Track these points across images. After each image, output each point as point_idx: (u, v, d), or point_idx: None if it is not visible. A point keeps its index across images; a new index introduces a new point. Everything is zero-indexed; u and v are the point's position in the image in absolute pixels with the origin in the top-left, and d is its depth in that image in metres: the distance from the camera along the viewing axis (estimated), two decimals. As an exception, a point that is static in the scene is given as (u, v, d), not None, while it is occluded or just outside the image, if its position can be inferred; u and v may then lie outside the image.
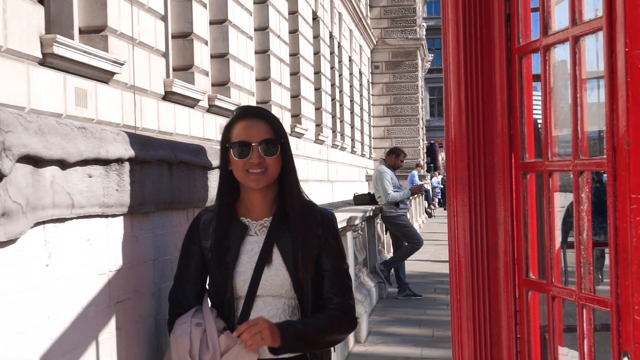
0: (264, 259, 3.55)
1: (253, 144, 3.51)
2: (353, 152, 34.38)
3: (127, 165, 3.51)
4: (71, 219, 3.10)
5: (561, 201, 2.80)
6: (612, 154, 2.31)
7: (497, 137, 2.84)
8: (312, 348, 3.59)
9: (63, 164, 2.98)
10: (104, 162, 3.30)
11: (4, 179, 2.58)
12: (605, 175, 2.36)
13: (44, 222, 2.90)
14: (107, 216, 3.40)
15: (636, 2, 2.25)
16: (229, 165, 3.60)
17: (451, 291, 3.02)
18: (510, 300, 2.82)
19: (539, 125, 2.82)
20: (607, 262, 2.47)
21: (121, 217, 3.55)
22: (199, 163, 4.40)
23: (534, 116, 2.86)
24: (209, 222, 3.67)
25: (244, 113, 3.67)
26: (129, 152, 3.50)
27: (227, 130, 3.62)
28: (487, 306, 2.85)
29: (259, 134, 3.53)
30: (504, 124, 2.83)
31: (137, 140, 3.64)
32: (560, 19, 2.68)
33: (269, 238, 3.58)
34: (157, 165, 3.85)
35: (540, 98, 2.81)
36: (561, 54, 2.70)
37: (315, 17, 26.03)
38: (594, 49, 2.46)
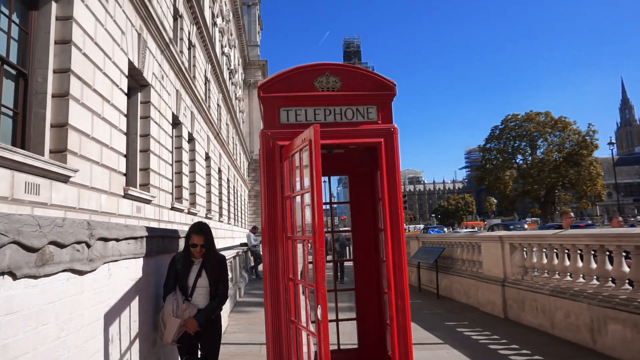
0: (199, 274, 3.29)
1: (198, 244, 3.27)
2: (241, 226, 33.36)
3: (145, 239, 3.21)
4: (120, 260, 2.79)
5: (300, 249, 2.78)
6: (314, 233, 2.33)
7: (278, 226, 2.79)
8: (212, 315, 3.29)
9: (117, 240, 2.70)
10: (135, 238, 3.02)
11: (91, 247, 2.31)
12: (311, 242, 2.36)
13: (108, 262, 2.60)
14: (136, 258, 3.08)
15: (319, 185, 2.31)
16: (189, 243, 3.31)
17: (264, 280, 2.92)
18: (283, 285, 2.74)
19: (293, 221, 2.81)
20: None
21: (142, 258, 3.22)
22: (176, 236, 4.07)
23: (287, 218, 2.84)
24: (179, 258, 3.36)
25: (196, 228, 3.34)
26: (145, 234, 3.22)
27: (188, 236, 3.31)
28: (275, 287, 2.75)
29: (200, 241, 3.28)
30: (280, 221, 2.79)
31: (149, 229, 3.34)
32: (299, 186, 2.71)
33: (201, 266, 3.31)
34: (157, 238, 3.54)
35: (292, 212, 2.81)
36: (298, 199, 2.73)
37: (220, 171, 25.43)
38: (309, 196, 2.48)
